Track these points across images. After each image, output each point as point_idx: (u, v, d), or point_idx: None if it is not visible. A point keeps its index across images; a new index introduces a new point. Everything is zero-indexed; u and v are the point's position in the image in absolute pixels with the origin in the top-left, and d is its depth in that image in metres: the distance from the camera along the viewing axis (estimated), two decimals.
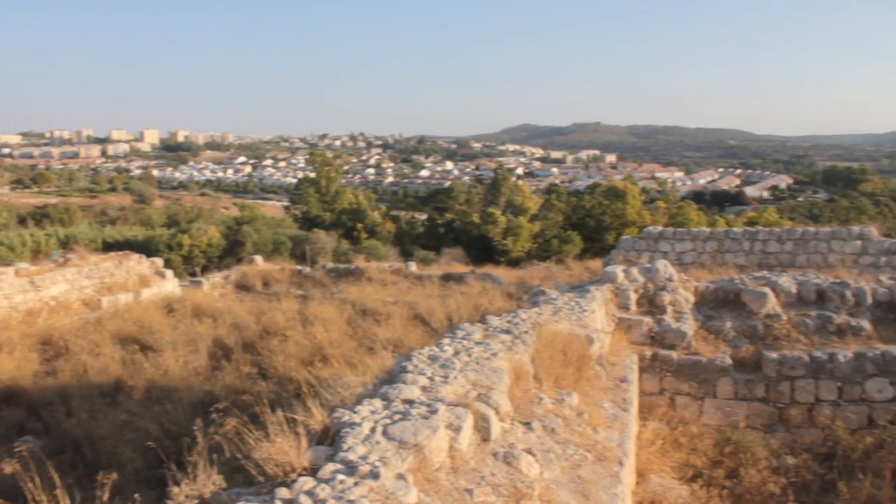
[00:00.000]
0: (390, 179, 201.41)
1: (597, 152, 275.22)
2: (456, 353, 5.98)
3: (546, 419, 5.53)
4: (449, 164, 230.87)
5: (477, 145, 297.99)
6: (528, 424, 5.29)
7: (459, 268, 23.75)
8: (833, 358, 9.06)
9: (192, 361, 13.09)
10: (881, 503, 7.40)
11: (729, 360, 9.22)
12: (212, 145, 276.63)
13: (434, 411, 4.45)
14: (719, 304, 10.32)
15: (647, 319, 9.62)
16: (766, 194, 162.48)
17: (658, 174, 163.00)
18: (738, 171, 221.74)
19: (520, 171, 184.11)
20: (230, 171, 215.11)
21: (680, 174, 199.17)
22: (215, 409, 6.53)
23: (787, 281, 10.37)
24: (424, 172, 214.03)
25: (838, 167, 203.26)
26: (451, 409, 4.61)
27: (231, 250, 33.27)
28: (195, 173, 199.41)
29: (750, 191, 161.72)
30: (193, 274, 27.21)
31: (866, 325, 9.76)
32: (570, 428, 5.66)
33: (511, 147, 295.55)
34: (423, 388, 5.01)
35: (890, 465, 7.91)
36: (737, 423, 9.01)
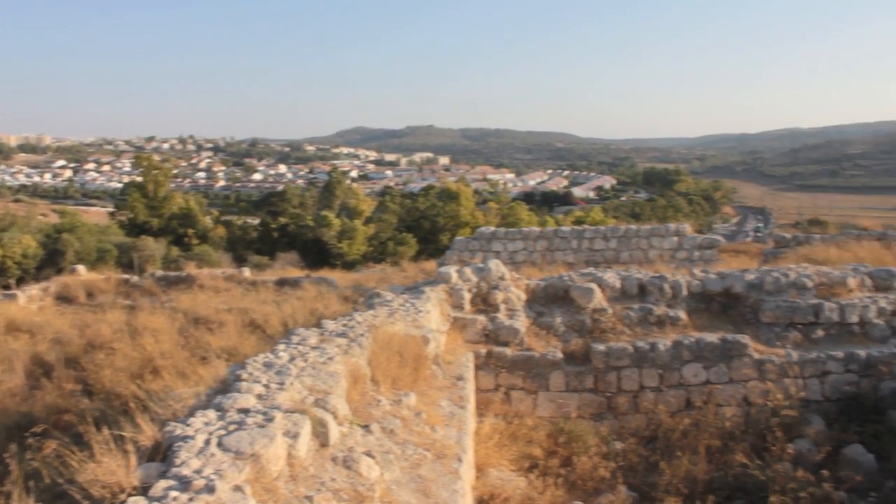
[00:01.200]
0: (222, 183, 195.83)
1: (430, 155, 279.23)
2: (292, 359, 5.90)
3: (385, 421, 5.56)
4: (282, 168, 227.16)
5: (311, 148, 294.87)
6: (366, 427, 5.30)
7: (295, 272, 23.39)
8: (654, 347, 9.64)
9: (6, 381, 12.18)
10: (697, 477, 7.96)
11: (560, 354, 9.60)
12: (26, 147, 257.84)
13: (270, 419, 4.38)
14: (550, 300, 10.72)
15: (482, 318, 9.86)
16: (592, 194, 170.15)
17: (490, 176, 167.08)
18: (566, 172, 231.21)
19: (354, 173, 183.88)
20: (48, 176, 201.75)
21: (511, 176, 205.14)
22: (32, 432, 6.13)
23: (611, 276, 10.92)
24: (257, 176, 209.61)
25: (657, 168, 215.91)
26: (289, 416, 4.54)
27: (50, 260, 31.23)
28: (7, 178, 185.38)
29: (577, 191, 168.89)
30: (7, 287, 25.39)
31: (683, 315, 10.44)
32: (409, 428, 5.71)
33: (345, 150, 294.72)
34: (259, 397, 4.91)
35: (704, 443, 8.53)
36: (569, 413, 9.40)
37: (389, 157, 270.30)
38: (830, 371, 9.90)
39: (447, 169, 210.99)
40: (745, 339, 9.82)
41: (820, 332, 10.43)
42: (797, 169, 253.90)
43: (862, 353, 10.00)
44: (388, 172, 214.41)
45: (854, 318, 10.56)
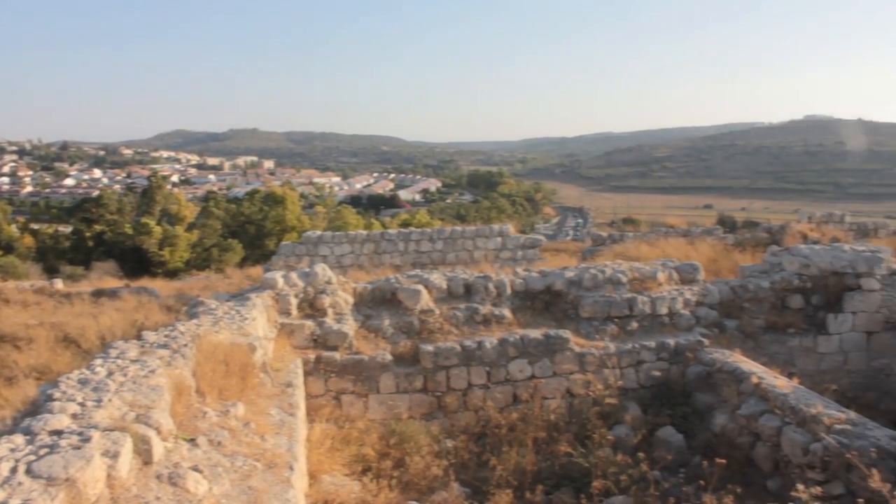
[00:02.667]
0: (29, 189, 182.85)
1: (255, 158, 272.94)
2: (110, 374, 5.59)
3: (212, 433, 5.38)
4: (97, 172, 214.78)
5: (128, 152, 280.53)
6: (192, 441, 5.11)
7: (113, 282, 22.24)
8: (481, 345, 9.87)
9: None
10: (526, 468, 8.22)
11: (389, 356, 9.64)
12: None
13: (87, 440, 4.12)
14: (378, 303, 10.75)
15: (309, 323, 9.74)
16: (418, 197, 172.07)
17: (316, 180, 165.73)
18: (392, 175, 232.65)
19: (175, 178, 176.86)
20: None
21: (337, 179, 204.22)
22: None
23: (438, 278, 11.08)
24: (69, 181, 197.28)
25: (480, 171, 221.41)
26: (107, 435, 4.30)
27: None
28: None
29: (403, 194, 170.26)
30: None
31: (507, 313, 10.76)
32: (238, 439, 5.56)
33: (165, 154, 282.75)
34: (74, 416, 4.61)
35: (532, 435, 8.82)
36: (400, 414, 9.45)
37: (212, 161, 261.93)
38: (644, 360, 10.51)
39: (272, 173, 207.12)
40: (566, 333, 10.25)
41: (634, 325, 11.06)
42: (611, 171, 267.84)
43: (671, 341, 10.68)
44: (211, 177, 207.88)
45: (664, 310, 11.27)
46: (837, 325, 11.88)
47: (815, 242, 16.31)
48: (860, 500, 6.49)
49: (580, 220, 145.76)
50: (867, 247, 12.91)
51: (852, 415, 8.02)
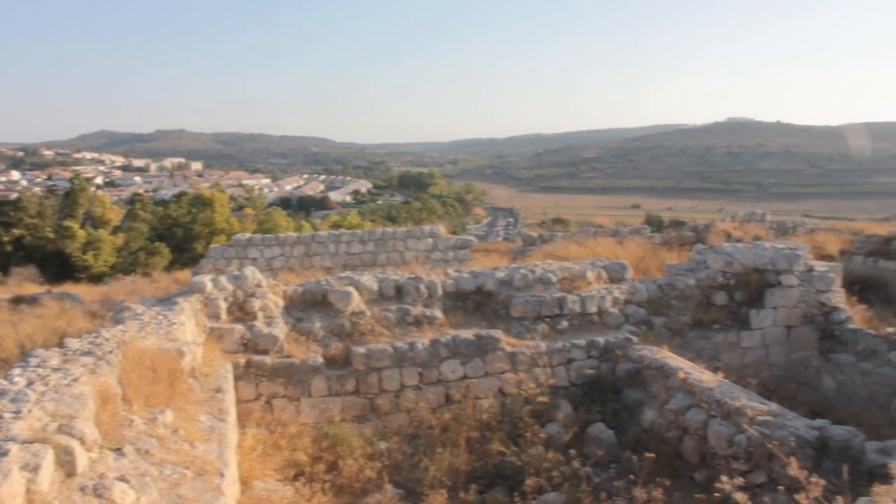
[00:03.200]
0: None
1: (182, 160, 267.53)
2: (30, 384, 5.41)
3: (139, 441, 5.25)
4: (15, 174, 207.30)
5: (48, 153, 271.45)
6: (118, 450, 4.98)
7: (33, 288, 21.52)
8: (413, 346, 9.87)
9: None
10: (459, 468, 8.25)
11: (321, 359, 9.57)
12: None
13: (4, 453, 3.96)
14: (308, 305, 10.65)
15: (239, 327, 9.60)
16: (348, 198, 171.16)
17: (245, 181, 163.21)
18: (322, 176, 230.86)
19: (99, 180, 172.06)
20: None
21: (267, 181, 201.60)
22: None
23: (368, 279, 11.04)
24: None
25: (411, 172, 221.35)
26: (27, 447, 4.14)
27: None
28: None
29: (334, 195, 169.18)
30: None
31: (439, 313, 10.78)
32: (166, 447, 5.44)
33: (88, 155, 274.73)
34: None
35: (464, 435, 8.85)
36: (333, 417, 9.39)
37: (138, 163, 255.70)
38: (575, 358, 10.65)
39: (200, 175, 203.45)
40: (497, 333, 10.32)
41: (565, 323, 11.19)
42: (541, 172, 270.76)
43: (601, 339, 10.85)
44: (137, 179, 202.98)
45: (593, 309, 11.44)
46: (759, 320, 12.24)
47: (739, 241, 16.75)
48: (780, 487, 6.73)
49: (511, 221, 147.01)
50: (786, 245, 13.33)
51: (773, 406, 8.28)
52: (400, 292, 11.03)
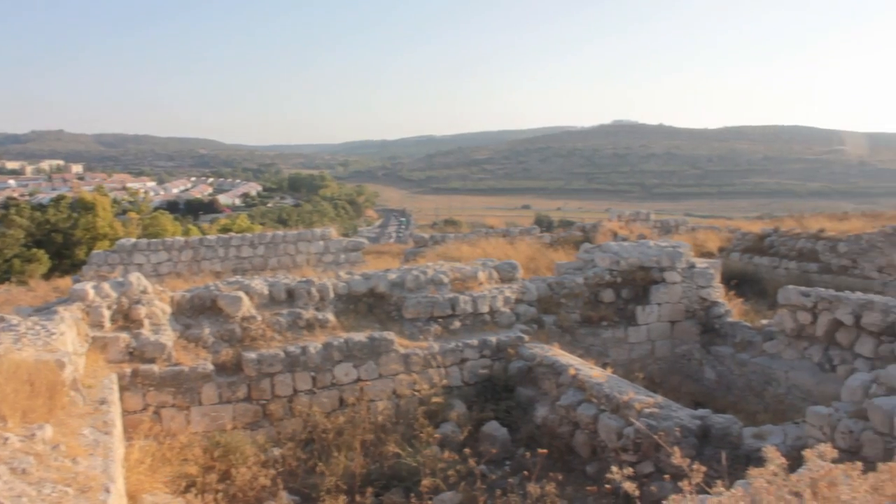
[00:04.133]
0: None
1: (61, 162, 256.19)
2: None
3: (15, 460, 5.00)
4: None
5: None
6: None
7: None
8: (305, 350, 9.76)
9: None
10: (355, 472, 8.21)
11: (211, 366, 9.34)
12: None
13: None
14: (197, 311, 10.38)
15: (124, 335, 9.26)
16: (238, 201, 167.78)
17: (130, 184, 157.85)
18: (211, 179, 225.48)
19: None
20: None
21: (152, 184, 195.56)
22: None
23: (259, 283, 10.85)
24: None
25: (302, 174, 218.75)
26: None
27: None
28: None
29: (223, 198, 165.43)
30: None
31: (331, 317, 10.69)
32: (46, 464, 5.20)
33: None
34: None
35: (359, 438, 8.81)
36: (224, 426, 9.16)
37: (12, 165, 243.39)
38: (468, 358, 10.75)
39: (81, 178, 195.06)
40: (390, 335, 10.32)
41: (457, 324, 11.29)
42: (433, 173, 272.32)
43: (493, 339, 10.99)
44: (11, 182, 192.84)
45: (485, 308, 11.58)
46: (645, 316, 12.67)
47: (625, 240, 17.28)
48: (666, 476, 7.00)
49: (402, 222, 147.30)
50: (669, 243, 13.84)
51: (659, 398, 8.60)
52: (291, 296, 10.89)
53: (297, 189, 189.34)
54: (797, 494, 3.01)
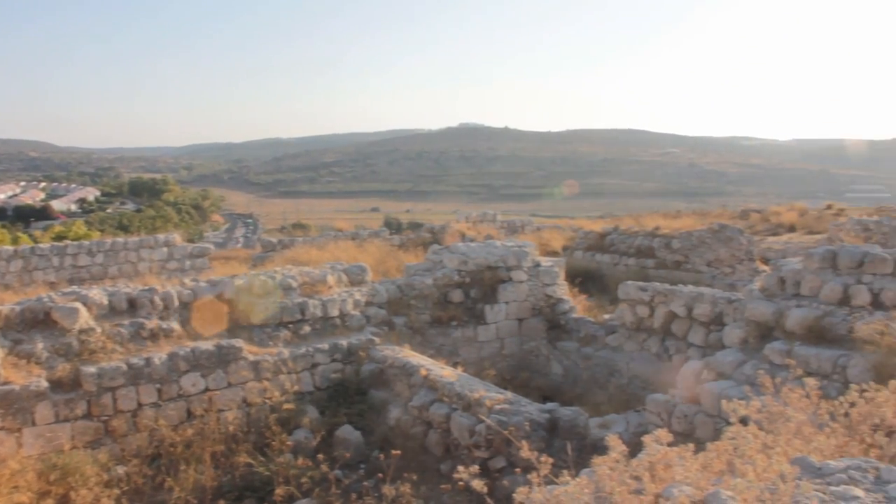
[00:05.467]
0: None
1: None
2: None
3: None
4: None
5: None
6: None
7: None
8: (150, 362, 9.38)
9: None
10: (206, 485, 7.99)
11: (45, 383, 8.81)
12: None
13: None
14: (28, 325, 9.74)
15: None
16: (74, 207, 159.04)
17: None
18: (43, 184, 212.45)
19: None
20: None
21: None
22: None
23: (97, 293, 10.33)
24: None
25: (143, 178, 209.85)
26: None
27: None
28: None
29: (57, 204, 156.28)
30: None
31: (176, 325, 10.33)
32: None
33: None
34: None
35: (209, 450, 8.58)
36: (62, 446, 8.65)
37: None
38: (319, 363, 10.67)
39: None
40: (239, 342, 10.09)
41: (307, 328, 11.17)
42: (281, 176, 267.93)
43: (344, 342, 10.97)
44: None
45: (335, 312, 11.52)
46: (494, 314, 12.98)
47: (472, 240, 17.61)
48: (517, 469, 7.22)
49: (250, 226, 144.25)
50: (515, 242, 14.24)
51: (509, 395, 8.84)
52: (133, 306, 10.43)
53: (138, 194, 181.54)
54: (637, 478, 3.17)
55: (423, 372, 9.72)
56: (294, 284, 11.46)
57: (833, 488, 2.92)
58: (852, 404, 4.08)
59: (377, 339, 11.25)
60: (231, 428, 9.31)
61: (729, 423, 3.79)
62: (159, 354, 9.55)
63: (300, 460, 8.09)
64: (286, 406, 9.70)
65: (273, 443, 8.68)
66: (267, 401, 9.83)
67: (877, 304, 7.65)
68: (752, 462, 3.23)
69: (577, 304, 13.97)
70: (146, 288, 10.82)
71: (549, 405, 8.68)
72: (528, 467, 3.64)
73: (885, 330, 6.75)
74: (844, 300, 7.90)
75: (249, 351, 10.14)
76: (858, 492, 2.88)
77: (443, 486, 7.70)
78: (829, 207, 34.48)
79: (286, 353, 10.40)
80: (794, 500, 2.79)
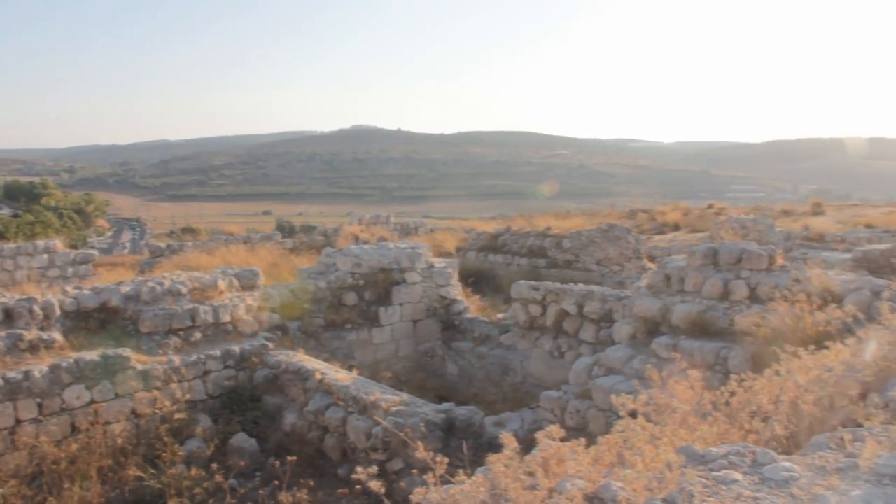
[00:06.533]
0: None
1: None
2: None
3: None
4: None
5: None
6: None
7: None
8: (29, 375, 8.93)
9: None
10: (92, 501, 7.70)
11: None
12: None
13: None
14: None
15: None
16: None
17: None
18: None
19: None
20: None
21: None
22: None
23: None
24: None
25: (20, 182, 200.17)
26: None
27: None
28: None
29: None
30: None
31: (58, 336, 9.88)
32: None
33: None
34: None
35: (96, 465, 8.27)
36: None
37: None
38: (211, 370, 10.42)
39: None
40: (126, 352, 9.74)
41: (198, 335, 10.89)
42: (169, 179, 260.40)
43: (236, 348, 10.74)
44: None
45: (227, 318, 11.26)
46: (388, 316, 12.99)
47: (366, 243, 17.57)
48: (414, 470, 7.25)
49: (137, 230, 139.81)
50: (409, 244, 14.29)
51: (405, 396, 8.87)
52: (10, 316, 9.93)
53: (14, 198, 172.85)
54: (531, 474, 3.23)
55: (318, 376, 9.64)
56: (184, 290, 11.16)
57: (715, 473, 3.06)
58: (732, 393, 4.26)
59: (270, 345, 11.08)
60: (119, 441, 8.98)
61: (619, 417, 3.92)
62: (40, 367, 9.10)
63: (193, 471, 7.90)
64: (178, 416, 9.44)
65: (164, 454, 8.43)
66: (157, 411, 9.53)
67: (754, 297, 8.03)
68: (641, 453, 3.34)
69: (470, 305, 14.12)
70: (24, 297, 10.32)
71: (445, 405, 8.74)
72: (425, 468, 3.66)
73: (761, 322, 7.09)
74: (725, 295, 8.27)
75: (138, 360, 9.80)
76: (737, 475, 3.02)
77: (340, 491, 7.66)
78: (710, 207, 36.05)
79: (177, 361, 10.10)
80: (680, 487, 2.90)
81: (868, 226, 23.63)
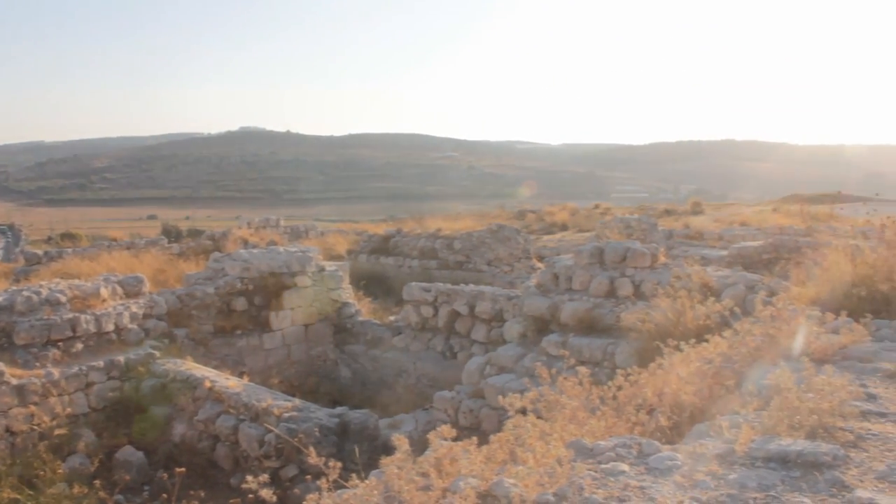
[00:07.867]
0: None
1: None
2: None
3: None
4: None
5: None
6: None
7: None
8: None
9: None
10: None
11: None
12: None
13: None
14: None
15: None
16: None
17: None
18: None
19: None
20: None
21: None
22: None
23: None
24: None
25: None
26: None
27: None
28: None
29: None
30: None
31: None
32: None
33: None
34: None
35: None
36: None
37: None
38: (94, 381, 10.01)
39: None
40: (0, 366, 9.27)
41: (79, 346, 10.45)
42: (45, 183, 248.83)
43: (121, 358, 10.37)
44: None
45: (110, 327, 10.85)
46: (279, 321, 12.80)
47: (255, 247, 17.27)
48: (308, 476, 7.19)
49: (11, 237, 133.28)
50: (299, 247, 14.12)
51: (298, 402, 8.77)
52: None
53: None
54: (425, 475, 3.25)
55: (208, 384, 9.41)
56: (63, 299, 10.69)
57: (603, 466, 3.16)
58: (619, 388, 4.40)
59: (157, 353, 10.74)
60: None
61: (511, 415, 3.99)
62: None
63: (76, 489, 7.58)
64: (58, 431, 9.04)
65: (43, 473, 8.06)
66: (35, 427, 9.09)
67: (638, 294, 8.31)
68: (532, 449, 3.41)
69: (362, 308, 14.08)
70: None
71: (339, 409, 8.69)
72: (319, 474, 3.63)
73: (645, 318, 7.33)
74: (611, 292, 8.52)
75: (12, 374, 9.32)
76: (624, 466, 3.13)
77: (232, 501, 7.48)
78: (596, 207, 37.08)
79: (56, 373, 9.66)
80: (570, 481, 2.98)
81: (743, 224, 24.76)
